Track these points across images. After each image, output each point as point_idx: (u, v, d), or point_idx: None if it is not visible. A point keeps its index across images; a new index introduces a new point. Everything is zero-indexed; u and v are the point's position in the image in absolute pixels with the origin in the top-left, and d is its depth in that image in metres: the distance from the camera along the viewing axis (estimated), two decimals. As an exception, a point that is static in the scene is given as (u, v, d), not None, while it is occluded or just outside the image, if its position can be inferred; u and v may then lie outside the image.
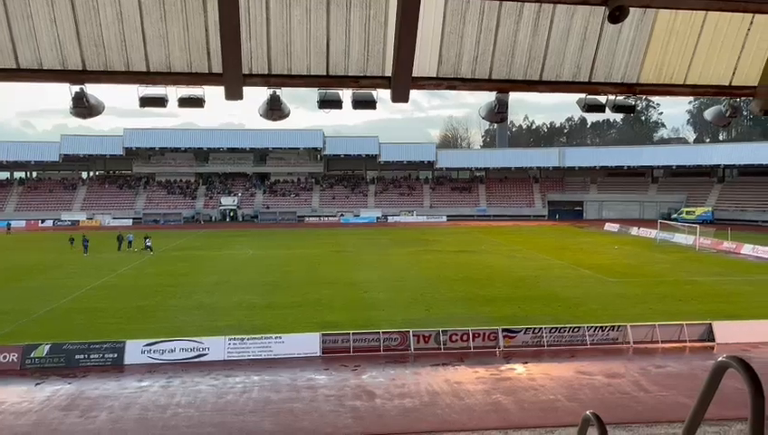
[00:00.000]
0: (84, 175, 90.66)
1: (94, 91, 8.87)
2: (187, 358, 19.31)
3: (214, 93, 8.79)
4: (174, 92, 9.02)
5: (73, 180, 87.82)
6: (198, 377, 17.92)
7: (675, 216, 69.90)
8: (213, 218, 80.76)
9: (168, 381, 17.51)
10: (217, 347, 19.65)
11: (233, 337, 20.03)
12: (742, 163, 78.62)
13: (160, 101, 9.04)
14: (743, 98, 9.56)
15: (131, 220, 77.37)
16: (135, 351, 19.25)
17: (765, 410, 1.90)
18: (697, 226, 52.63)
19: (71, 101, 8.76)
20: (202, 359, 19.32)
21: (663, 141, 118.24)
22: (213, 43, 7.93)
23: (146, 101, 9.01)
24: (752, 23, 8.40)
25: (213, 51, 7.99)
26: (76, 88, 8.64)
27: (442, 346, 20.31)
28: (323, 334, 20.35)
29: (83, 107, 8.84)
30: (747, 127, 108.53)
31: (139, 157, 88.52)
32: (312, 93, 9.16)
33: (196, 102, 9.21)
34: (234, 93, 8.24)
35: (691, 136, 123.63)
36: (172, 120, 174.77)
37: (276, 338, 20.23)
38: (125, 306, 26.66)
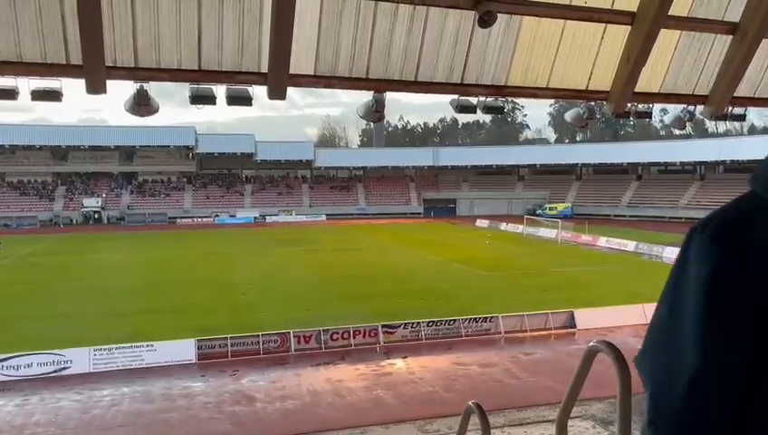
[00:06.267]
0: None
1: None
2: (47, 373, 17.82)
3: (74, 86, 8.13)
4: (27, 84, 8.23)
5: None
6: (60, 392, 16.60)
7: (539, 211, 74.49)
8: (74, 221, 75.01)
9: (24, 400, 16.06)
10: (81, 359, 18.30)
11: (98, 347, 18.74)
12: (596, 162, 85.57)
13: (10, 94, 8.20)
14: (597, 101, 10.36)
15: (-22, 225, 70.04)
16: (-16, 368, 17.47)
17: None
18: (559, 220, 56.49)
19: None
20: (64, 373, 17.91)
21: (528, 142, 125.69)
22: (71, 32, 7.32)
23: (-8, 93, 8.15)
24: (604, 32, 9.11)
25: (71, 40, 7.37)
26: None
27: (323, 345, 20.27)
28: (199, 340, 19.58)
29: None
30: (600, 129, 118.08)
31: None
32: (181, 88, 8.72)
33: (53, 96, 8.46)
34: (96, 87, 7.67)
35: (552, 137, 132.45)
36: (25, 115, 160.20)
37: (147, 346, 19.20)
38: (-28, 320, 24.09)
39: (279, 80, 8.03)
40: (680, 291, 1.16)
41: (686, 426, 1.11)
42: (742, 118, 11.17)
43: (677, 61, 9.60)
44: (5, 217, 72.47)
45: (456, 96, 9.49)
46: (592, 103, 10.50)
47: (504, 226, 64.41)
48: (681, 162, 79.66)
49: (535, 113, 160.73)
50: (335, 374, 18.06)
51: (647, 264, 39.65)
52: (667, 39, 9.11)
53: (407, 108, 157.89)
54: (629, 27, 8.67)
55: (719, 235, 1.12)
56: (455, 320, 21.98)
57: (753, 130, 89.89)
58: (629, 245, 45.66)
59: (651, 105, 10.78)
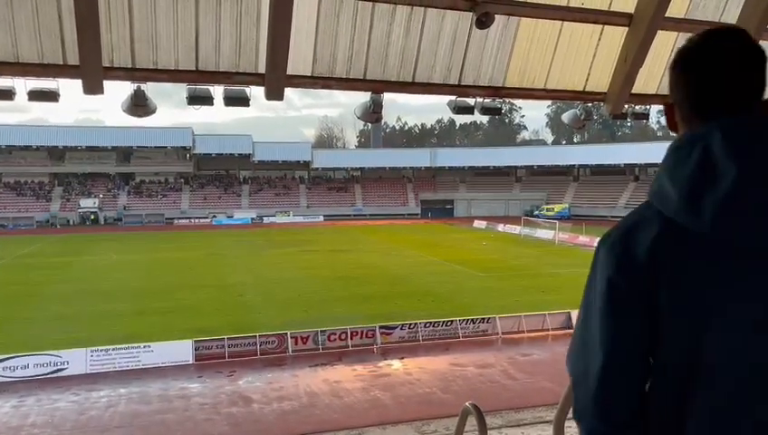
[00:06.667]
0: None
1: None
2: (43, 374, 17.78)
3: (71, 86, 8.10)
4: (23, 84, 8.20)
5: None
6: (57, 394, 16.57)
7: (536, 212, 74.59)
8: (71, 222, 74.85)
9: (20, 401, 16.02)
10: (78, 360, 18.26)
11: (95, 348, 18.71)
12: (594, 163, 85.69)
13: (7, 94, 8.16)
14: (594, 103, 10.36)
15: (-26, 225, 69.84)
16: (-20, 370, 17.42)
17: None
18: (556, 221, 56.55)
19: None
20: (61, 374, 17.87)
21: (525, 143, 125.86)
22: (68, 32, 7.30)
23: (-11, 94, 8.11)
24: (601, 33, 9.12)
25: (68, 40, 7.35)
26: None
27: (321, 346, 20.26)
28: (196, 341, 19.56)
29: None
30: (597, 130, 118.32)
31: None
32: (178, 88, 8.71)
33: (50, 96, 8.43)
34: (93, 87, 7.64)
35: (549, 138, 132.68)
36: (22, 116, 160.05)
37: (145, 347, 19.18)
38: (-32, 321, 24.02)
39: (276, 81, 8.01)
40: (591, 297, 1.31)
41: (601, 419, 1.26)
42: (738, 119, 11.17)
43: (674, 62, 9.61)
44: (2, 218, 72.35)
45: (453, 97, 9.49)
46: (590, 105, 10.50)
47: (501, 227, 64.42)
48: (678, 163, 79.69)
49: (533, 114, 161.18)
50: (332, 375, 18.05)
51: (644, 265, 39.59)
52: (664, 40, 9.12)
53: (404, 109, 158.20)
54: (626, 29, 8.68)
55: (616, 243, 1.29)
56: (452, 321, 21.98)
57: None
58: (626, 246, 45.59)
59: (648, 106, 10.78)
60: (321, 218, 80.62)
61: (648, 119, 11.15)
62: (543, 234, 56.07)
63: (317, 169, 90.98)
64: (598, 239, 1.49)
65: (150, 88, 8.54)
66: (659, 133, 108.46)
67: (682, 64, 1.35)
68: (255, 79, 8.17)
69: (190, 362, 19.06)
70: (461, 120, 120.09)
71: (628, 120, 11.40)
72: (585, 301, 1.33)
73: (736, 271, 1.19)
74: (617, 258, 1.27)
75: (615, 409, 1.26)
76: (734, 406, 1.22)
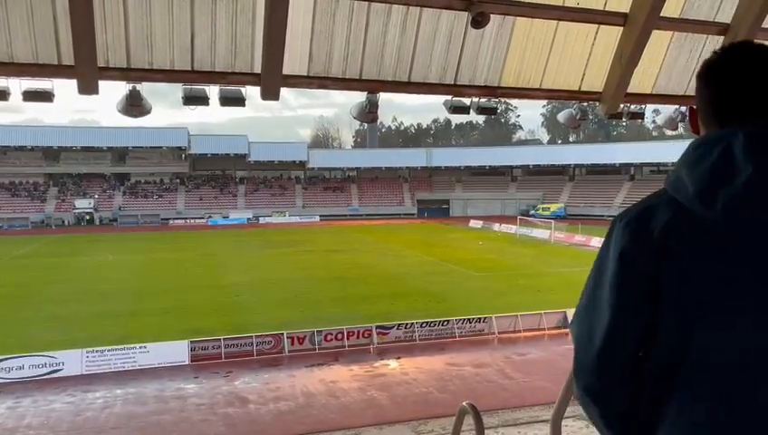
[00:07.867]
0: None
1: None
2: (39, 375, 17.72)
3: (65, 86, 8.07)
4: (18, 84, 8.17)
5: None
6: (52, 395, 16.52)
7: (532, 212, 74.62)
8: (66, 223, 74.59)
9: (16, 402, 15.97)
10: (74, 361, 18.21)
11: (91, 349, 18.65)
12: (589, 162, 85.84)
13: (1, 95, 8.14)
14: (590, 102, 10.38)
15: (-31, 226, 69.53)
16: (-25, 371, 17.36)
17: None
18: (552, 221, 56.62)
19: None
20: (56, 375, 17.81)
21: (521, 142, 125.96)
22: (62, 33, 7.27)
23: (-17, 94, 8.08)
24: (597, 33, 9.13)
25: (62, 40, 7.32)
26: None
27: (317, 346, 20.25)
28: (192, 342, 19.53)
29: None
30: (593, 130, 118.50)
31: (-24, 156, 79.79)
32: (174, 89, 8.69)
33: (44, 96, 8.39)
34: (88, 87, 7.61)
35: (545, 137, 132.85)
36: (16, 116, 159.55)
37: (141, 348, 19.13)
38: (-37, 322, 23.91)
39: (272, 80, 8.00)
40: (602, 267, 1.42)
41: (598, 377, 1.35)
42: (733, 119, 11.22)
43: (669, 62, 9.63)
44: (-3, 219, 72.10)
45: (449, 97, 9.48)
46: (585, 104, 10.51)
47: (497, 226, 64.43)
48: (673, 163, 79.75)
49: (528, 114, 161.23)
50: (329, 375, 18.04)
51: (639, 264, 39.64)
52: (659, 40, 9.14)
53: (400, 109, 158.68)
54: (622, 28, 8.69)
55: (630, 222, 1.38)
56: (448, 321, 21.99)
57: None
58: (622, 245, 45.63)
59: (643, 106, 10.79)
60: (318, 219, 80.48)
61: (643, 118, 11.17)
62: (539, 233, 56.14)
63: (313, 169, 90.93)
64: (601, 235, 1.56)
65: (146, 88, 8.51)
66: (654, 133, 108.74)
67: (706, 77, 1.50)
68: (251, 79, 8.15)
69: (186, 363, 19.02)
70: (457, 119, 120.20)
71: (624, 119, 11.43)
72: (595, 271, 1.43)
73: (741, 265, 1.24)
74: (631, 235, 1.36)
75: (612, 367, 1.35)
76: (715, 410, 1.24)
